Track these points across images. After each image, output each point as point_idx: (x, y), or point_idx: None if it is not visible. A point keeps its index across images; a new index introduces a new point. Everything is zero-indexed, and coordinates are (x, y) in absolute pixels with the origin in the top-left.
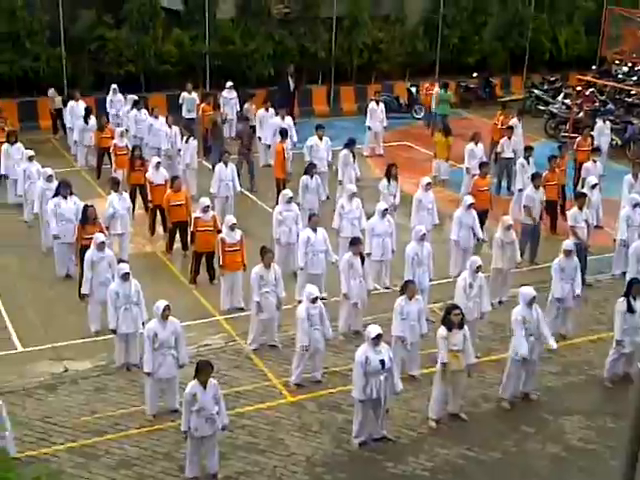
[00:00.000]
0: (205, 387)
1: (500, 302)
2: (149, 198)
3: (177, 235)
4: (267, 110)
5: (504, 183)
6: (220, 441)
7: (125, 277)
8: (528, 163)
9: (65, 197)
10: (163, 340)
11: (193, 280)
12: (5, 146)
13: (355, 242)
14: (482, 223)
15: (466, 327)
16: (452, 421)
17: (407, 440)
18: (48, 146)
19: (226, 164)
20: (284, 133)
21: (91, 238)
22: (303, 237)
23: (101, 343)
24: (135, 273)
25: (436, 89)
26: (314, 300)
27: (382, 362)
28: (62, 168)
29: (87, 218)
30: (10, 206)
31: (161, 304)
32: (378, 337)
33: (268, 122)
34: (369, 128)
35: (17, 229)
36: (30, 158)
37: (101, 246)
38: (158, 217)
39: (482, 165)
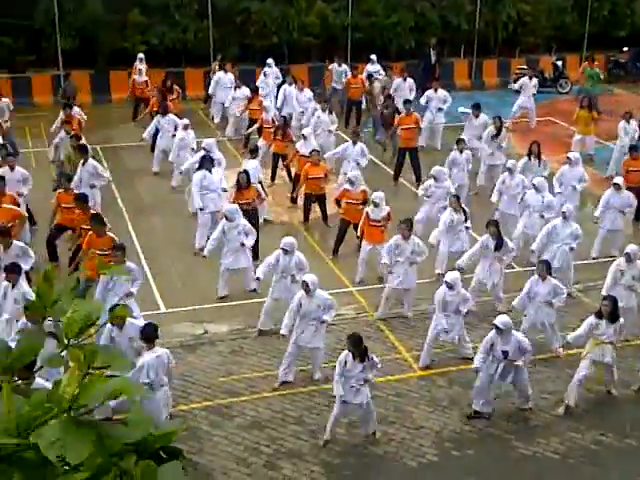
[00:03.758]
0: (354, 358)
1: None
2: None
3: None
4: (405, 80)
5: None
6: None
7: (285, 251)
8: None
9: (209, 170)
10: (307, 311)
11: (335, 249)
12: (157, 117)
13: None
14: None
15: (621, 320)
16: (590, 405)
17: (539, 421)
18: (196, 116)
19: (355, 143)
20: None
21: (248, 202)
22: (445, 219)
23: (237, 307)
24: (272, 241)
25: (584, 64)
26: (451, 287)
27: (505, 353)
28: (207, 138)
29: (240, 183)
30: (160, 173)
31: (308, 278)
32: (502, 329)
33: (404, 91)
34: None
35: (164, 195)
36: (185, 127)
37: (232, 217)
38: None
39: (632, 147)
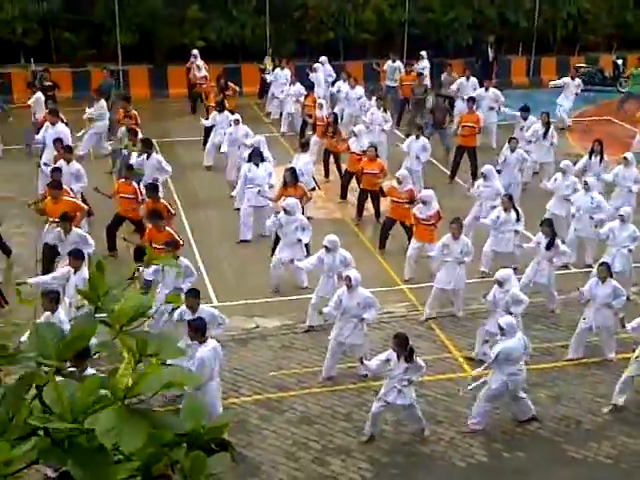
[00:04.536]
0: (399, 358)
1: None
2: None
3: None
4: (467, 79)
5: None
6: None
7: (327, 249)
8: None
9: (257, 165)
10: (347, 307)
11: (380, 245)
12: (214, 113)
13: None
14: None
15: None
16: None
17: (590, 425)
18: (250, 111)
19: (417, 137)
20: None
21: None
22: (493, 217)
23: (288, 303)
24: (322, 236)
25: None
26: (501, 284)
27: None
28: (261, 133)
29: (285, 180)
30: (214, 168)
31: (351, 273)
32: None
33: (467, 90)
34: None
35: (219, 189)
36: (236, 121)
37: (292, 210)
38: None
39: None
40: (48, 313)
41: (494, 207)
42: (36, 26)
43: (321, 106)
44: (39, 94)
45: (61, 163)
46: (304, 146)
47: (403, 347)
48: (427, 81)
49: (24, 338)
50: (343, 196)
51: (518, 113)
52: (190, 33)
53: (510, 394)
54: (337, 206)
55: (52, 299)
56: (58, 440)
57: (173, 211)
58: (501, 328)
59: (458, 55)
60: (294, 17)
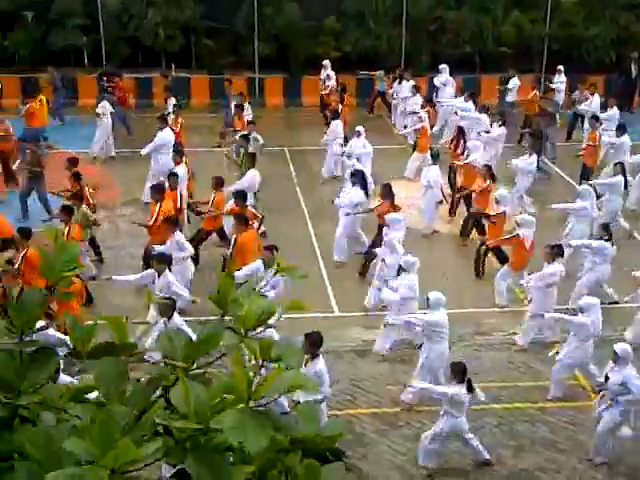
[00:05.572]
0: (469, 391)
1: None
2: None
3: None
4: (592, 95)
5: None
6: (520, 433)
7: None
8: None
9: (353, 184)
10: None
11: (478, 271)
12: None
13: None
14: None
15: None
16: None
17: None
18: (381, 122)
19: (530, 155)
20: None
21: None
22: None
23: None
24: (427, 251)
25: None
26: (582, 311)
27: None
28: (389, 145)
29: (386, 194)
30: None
31: (432, 295)
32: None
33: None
34: None
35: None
36: (357, 133)
37: (395, 226)
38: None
39: None
40: (165, 319)
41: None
42: (178, 33)
43: (439, 119)
44: (173, 99)
45: (180, 169)
46: (434, 158)
47: (459, 374)
48: (561, 97)
49: (149, 341)
50: (451, 212)
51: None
52: (326, 44)
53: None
54: (445, 220)
55: (169, 306)
56: (180, 440)
57: (259, 215)
58: (615, 354)
59: (599, 71)
60: (430, 30)
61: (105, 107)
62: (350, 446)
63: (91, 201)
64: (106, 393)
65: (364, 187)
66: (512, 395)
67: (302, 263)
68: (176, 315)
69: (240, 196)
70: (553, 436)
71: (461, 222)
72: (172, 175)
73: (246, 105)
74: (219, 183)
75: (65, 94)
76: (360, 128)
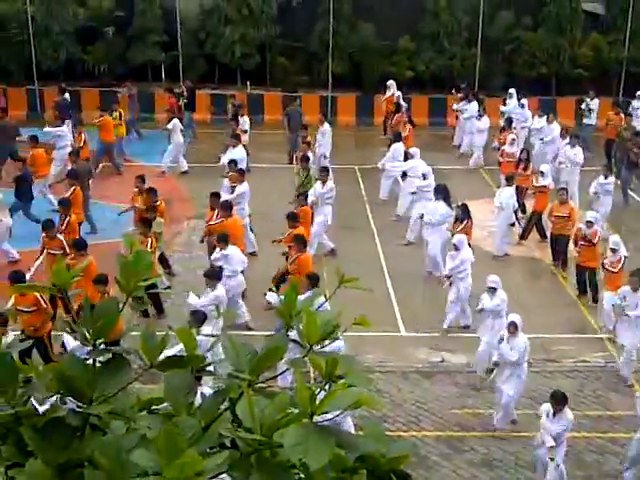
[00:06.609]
0: (555, 415)
1: None
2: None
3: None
4: None
5: None
6: (588, 464)
7: (489, 289)
8: None
9: (437, 199)
10: (501, 353)
11: (579, 294)
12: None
13: None
14: None
15: None
16: None
17: None
18: (444, 142)
19: (605, 177)
20: None
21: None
22: None
23: (477, 340)
24: (516, 275)
25: None
26: None
27: None
28: (453, 165)
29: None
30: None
31: (515, 318)
32: None
33: None
34: None
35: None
36: (410, 155)
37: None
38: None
39: None
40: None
41: None
42: (254, 51)
43: (513, 141)
44: (246, 118)
45: (228, 187)
46: (509, 180)
47: (558, 404)
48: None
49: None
50: (522, 236)
51: None
52: (399, 63)
53: None
54: (537, 245)
55: (199, 319)
56: (246, 454)
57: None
58: None
59: None
60: (506, 50)
61: (176, 124)
62: (414, 468)
63: (164, 215)
64: (174, 404)
65: (447, 200)
66: (581, 424)
67: (369, 281)
68: (205, 327)
69: (291, 217)
70: (620, 467)
71: (532, 245)
72: (213, 195)
73: (245, 119)
74: (293, 218)
75: (137, 108)
76: (413, 150)
